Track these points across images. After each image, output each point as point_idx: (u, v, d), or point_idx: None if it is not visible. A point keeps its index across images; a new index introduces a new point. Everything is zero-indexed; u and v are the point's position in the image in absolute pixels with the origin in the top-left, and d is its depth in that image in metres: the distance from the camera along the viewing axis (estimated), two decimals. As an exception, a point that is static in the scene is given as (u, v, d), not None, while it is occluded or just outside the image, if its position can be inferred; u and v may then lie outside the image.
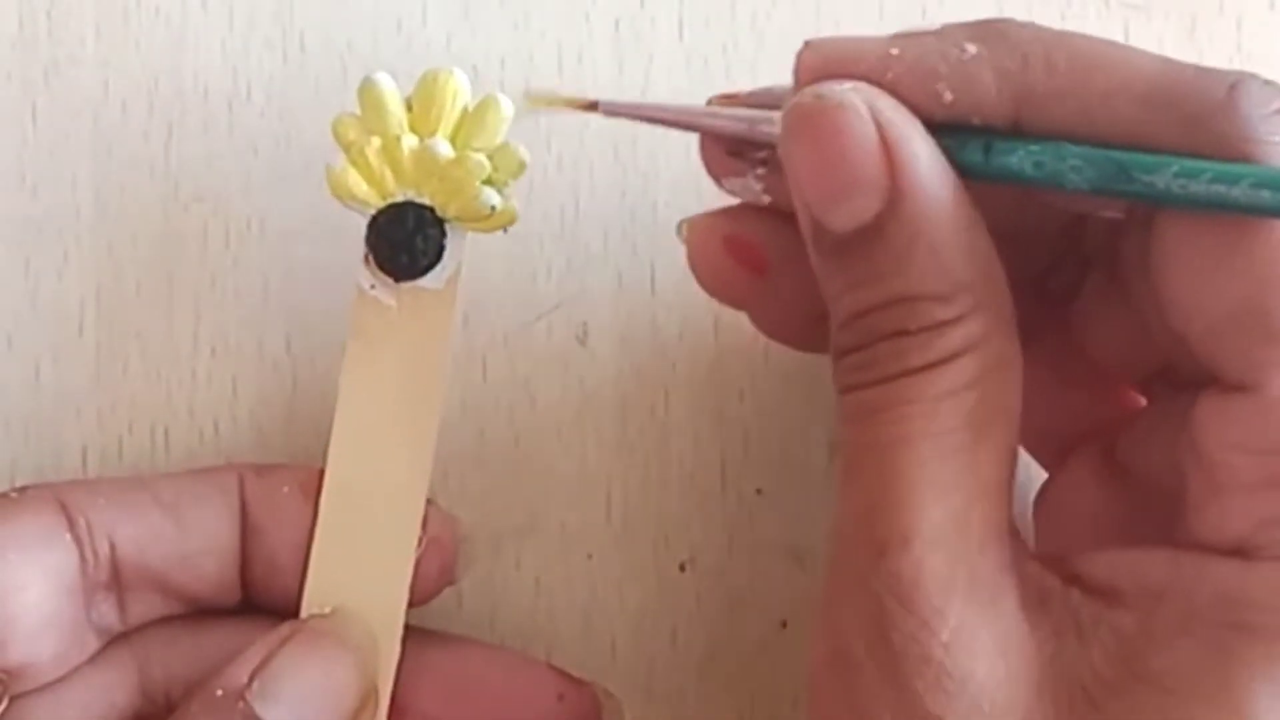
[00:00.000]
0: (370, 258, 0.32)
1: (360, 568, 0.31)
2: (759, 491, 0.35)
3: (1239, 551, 0.26)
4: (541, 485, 0.35)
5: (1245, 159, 0.25)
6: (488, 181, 0.32)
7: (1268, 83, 0.25)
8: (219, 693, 0.29)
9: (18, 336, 0.35)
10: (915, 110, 0.27)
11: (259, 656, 0.30)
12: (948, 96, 0.27)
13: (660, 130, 0.35)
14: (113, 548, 0.30)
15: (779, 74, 0.36)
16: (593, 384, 0.35)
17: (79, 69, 0.35)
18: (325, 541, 0.31)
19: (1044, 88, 0.26)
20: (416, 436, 0.32)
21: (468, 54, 0.35)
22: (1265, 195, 0.24)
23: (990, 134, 0.27)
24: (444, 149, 0.32)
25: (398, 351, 0.32)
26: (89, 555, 0.30)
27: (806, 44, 0.29)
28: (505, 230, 0.32)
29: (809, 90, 0.27)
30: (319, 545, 0.31)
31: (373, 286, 0.32)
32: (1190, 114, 0.25)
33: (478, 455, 0.35)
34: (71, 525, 0.30)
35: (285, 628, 0.31)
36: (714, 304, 0.35)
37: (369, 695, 0.31)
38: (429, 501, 0.32)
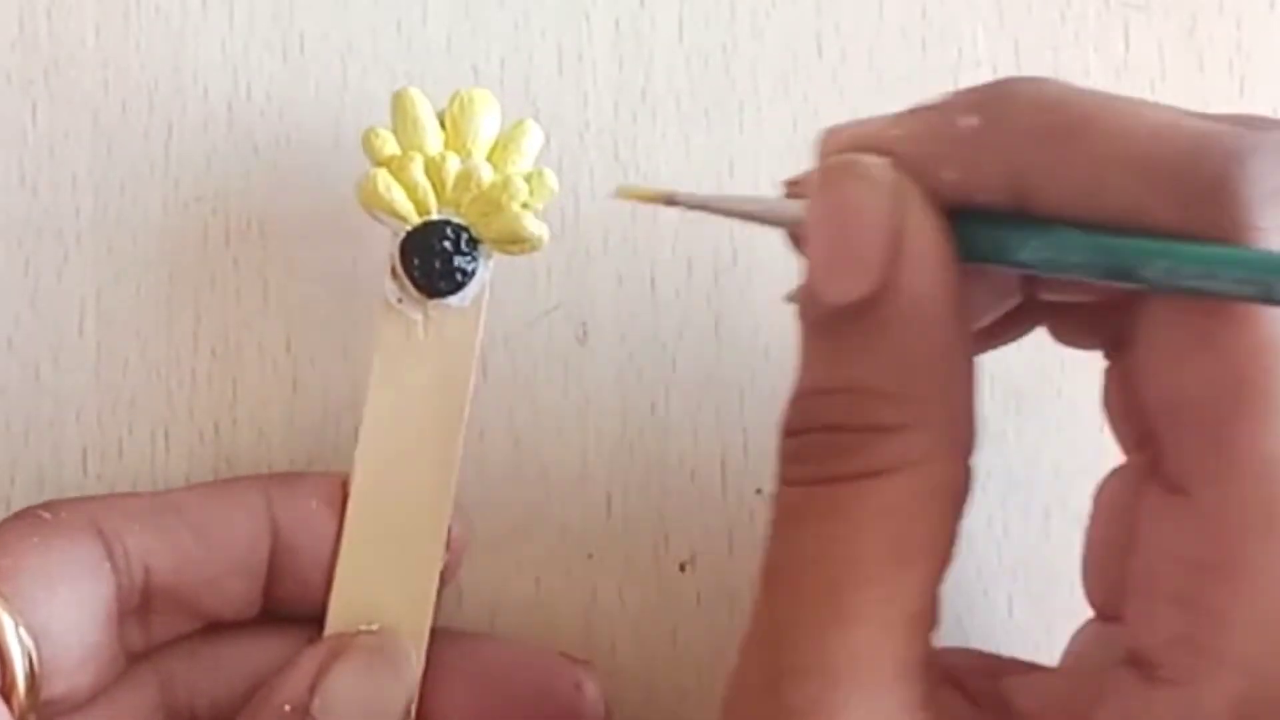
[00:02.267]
0: (400, 272, 0.32)
1: (387, 579, 0.32)
2: (759, 491, 0.35)
3: (1146, 665, 0.24)
4: (541, 485, 0.35)
5: (1242, 244, 0.23)
6: (523, 205, 0.32)
7: (1276, 148, 0.23)
8: (286, 708, 0.29)
9: (17, 337, 0.35)
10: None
11: (312, 671, 0.30)
12: (949, 176, 0.26)
13: (660, 130, 0.35)
14: (147, 573, 0.30)
15: (779, 74, 0.36)
16: (593, 384, 0.35)
17: (79, 69, 0.35)
18: (351, 553, 0.31)
19: (1042, 163, 0.25)
20: (441, 449, 0.32)
21: (468, 54, 0.35)
22: (1249, 288, 0.23)
23: (991, 216, 0.26)
24: (487, 173, 0.32)
25: (424, 366, 0.32)
26: (124, 582, 0.30)
27: (827, 131, 0.28)
28: (529, 254, 0.33)
29: (848, 156, 0.26)
30: (345, 557, 0.31)
31: (399, 300, 0.32)
32: (1187, 195, 0.23)
33: (478, 455, 0.35)
34: (110, 554, 0.30)
35: (333, 642, 0.31)
36: (714, 304, 0.35)
37: (410, 708, 0.31)
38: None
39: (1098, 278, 0.25)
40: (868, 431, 0.25)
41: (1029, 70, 0.36)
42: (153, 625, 0.31)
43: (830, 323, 0.26)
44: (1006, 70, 0.36)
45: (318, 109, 0.35)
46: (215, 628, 0.32)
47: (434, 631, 0.32)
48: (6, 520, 0.30)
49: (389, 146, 0.32)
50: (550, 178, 0.32)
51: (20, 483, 0.34)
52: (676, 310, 0.35)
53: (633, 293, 0.35)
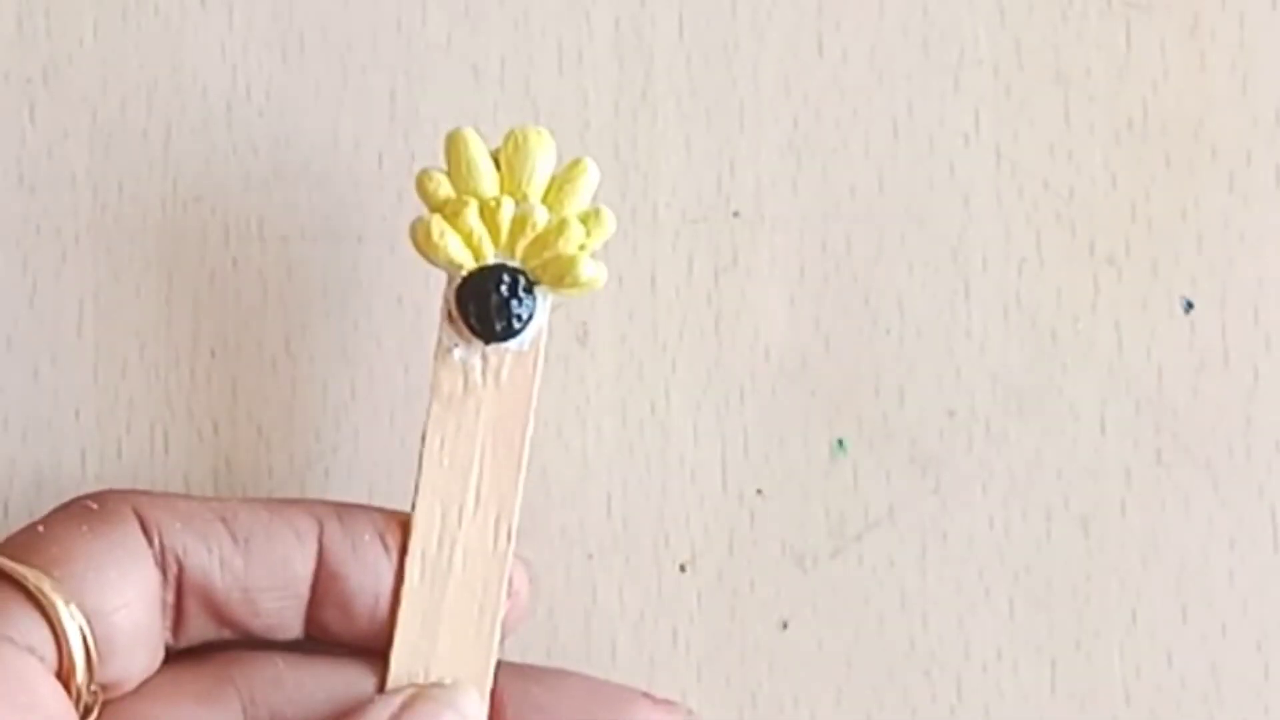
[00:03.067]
0: (456, 316, 0.32)
1: (449, 628, 0.31)
2: (759, 492, 0.35)
3: None
4: (541, 485, 0.35)
5: None
6: (580, 247, 0.32)
7: None
8: None
9: (16, 337, 0.35)
10: None
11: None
12: None
13: (660, 130, 0.35)
14: (180, 570, 0.30)
15: (779, 74, 0.36)
16: (593, 384, 0.35)
17: (77, 68, 0.35)
18: (412, 601, 0.31)
19: None
20: (501, 495, 0.32)
21: (468, 54, 0.35)
22: None
23: None
24: (543, 216, 0.31)
25: (482, 411, 0.32)
26: (161, 574, 0.30)
27: None
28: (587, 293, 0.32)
29: None
30: (406, 604, 0.31)
31: (455, 346, 0.32)
32: None
33: (478, 456, 0.35)
34: (150, 544, 0.30)
35: (407, 694, 0.31)
36: (714, 304, 0.35)
37: None
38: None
39: None
40: None
41: (1030, 69, 0.36)
42: (183, 625, 0.31)
43: None
44: (1007, 70, 0.36)
45: (318, 109, 0.35)
46: (298, 654, 0.32)
47: (513, 666, 0.32)
48: (55, 510, 0.31)
49: (443, 189, 0.32)
50: (608, 217, 0.32)
51: (19, 483, 0.34)
52: (676, 310, 0.35)
53: (633, 293, 0.35)
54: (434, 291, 0.35)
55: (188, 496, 0.32)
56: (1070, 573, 0.35)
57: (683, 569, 0.35)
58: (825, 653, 0.35)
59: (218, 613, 0.31)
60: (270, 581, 0.31)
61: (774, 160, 0.35)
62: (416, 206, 0.35)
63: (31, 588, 0.29)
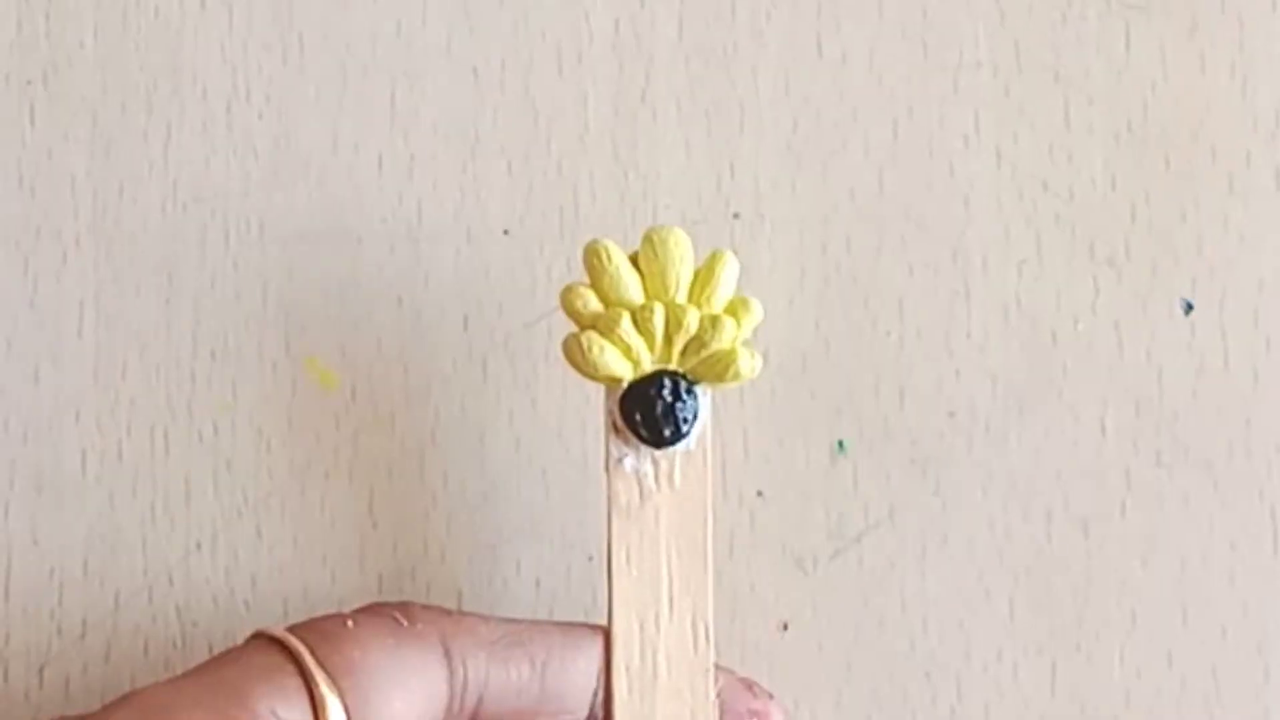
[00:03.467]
0: (623, 427, 0.32)
1: None
2: (759, 493, 0.35)
3: None
4: (541, 485, 0.35)
5: None
6: (734, 340, 0.32)
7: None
8: None
9: (17, 338, 0.35)
10: None
11: None
12: None
13: (660, 130, 0.35)
14: (479, 703, 0.31)
15: (779, 74, 0.36)
16: (593, 385, 0.35)
17: (77, 70, 0.35)
18: (625, 713, 0.31)
19: None
20: (694, 594, 0.32)
21: (468, 54, 0.35)
22: None
23: None
24: (694, 318, 0.31)
25: (661, 516, 0.32)
26: (456, 707, 0.30)
27: None
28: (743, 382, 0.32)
29: None
30: (620, 717, 0.31)
31: (625, 456, 0.32)
32: None
33: (478, 456, 0.35)
34: (451, 674, 0.30)
35: None
36: (714, 305, 0.35)
37: None
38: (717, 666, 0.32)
39: None
40: None
41: (1030, 70, 0.36)
42: None
43: None
44: (1007, 70, 0.36)
45: (317, 109, 0.35)
46: None
47: None
48: (364, 612, 0.31)
49: (592, 305, 0.31)
50: (755, 305, 0.32)
51: (19, 484, 0.34)
52: (677, 311, 0.35)
53: (633, 294, 0.35)
54: (434, 292, 0.35)
55: (485, 618, 0.32)
56: (1070, 574, 0.35)
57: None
58: (825, 654, 0.35)
59: None
60: (561, 706, 0.31)
61: (774, 161, 0.36)
62: (416, 206, 0.35)
63: (315, 691, 0.29)
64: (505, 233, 0.34)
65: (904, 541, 0.35)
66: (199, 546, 0.34)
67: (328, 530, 0.34)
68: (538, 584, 0.35)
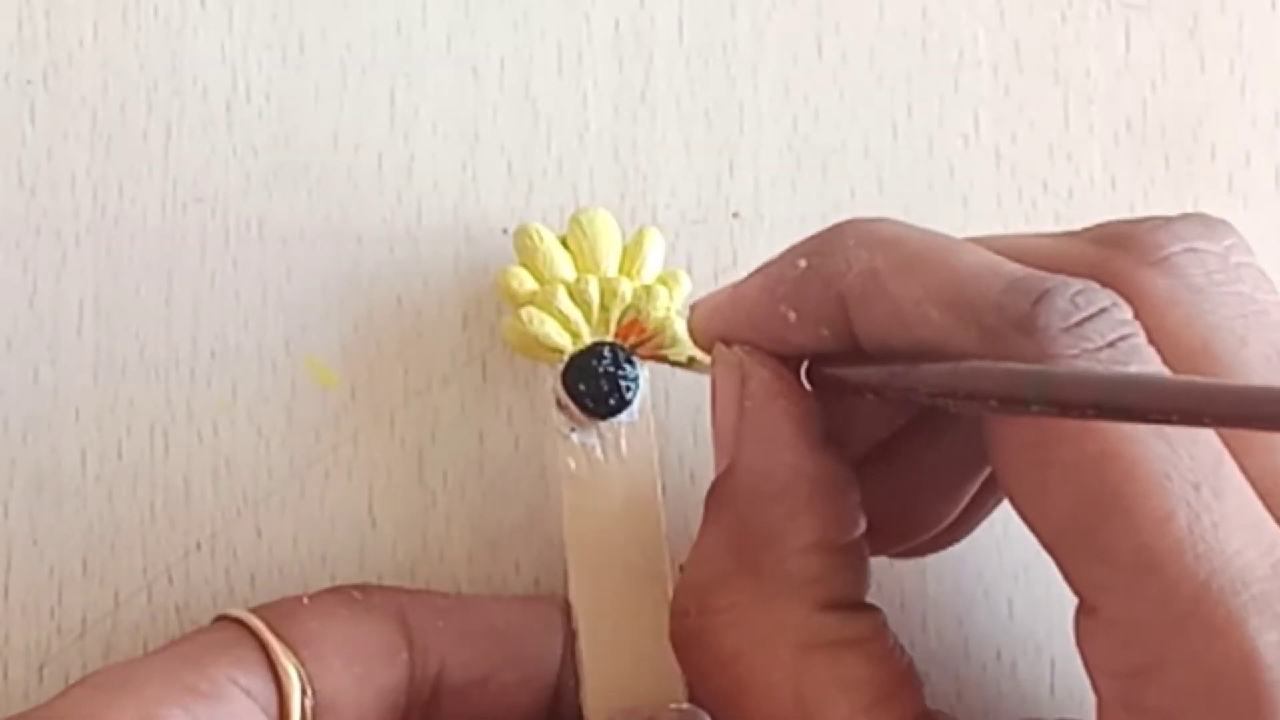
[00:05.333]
0: (566, 401, 0.33)
1: (630, 689, 0.32)
2: (759, 492, 0.35)
3: None
4: (541, 486, 0.35)
5: None
6: (667, 310, 0.33)
7: (1080, 292, 0.25)
8: None
9: (16, 338, 0.35)
10: (770, 334, 0.28)
11: None
12: (791, 316, 0.28)
13: (660, 130, 0.35)
14: (441, 670, 0.31)
15: (779, 74, 0.36)
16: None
17: (77, 69, 0.35)
18: (595, 680, 0.32)
19: (861, 295, 0.27)
20: (650, 560, 0.33)
21: (467, 54, 0.35)
22: (1052, 408, 0.24)
23: (838, 356, 0.28)
24: (628, 288, 0.33)
25: (612, 487, 0.33)
26: (418, 674, 0.31)
27: (691, 307, 0.31)
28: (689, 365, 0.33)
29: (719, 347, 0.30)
30: (588, 684, 0.32)
31: (572, 430, 0.33)
32: (989, 328, 0.25)
33: (478, 457, 0.35)
34: (410, 645, 0.31)
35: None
36: (714, 304, 0.35)
37: None
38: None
39: (936, 399, 0.26)
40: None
41: (1030, 70, 0.36)
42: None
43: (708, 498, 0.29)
44: (1007, 70, 0.36)
45: (317, 109, 0.35)
46: None
47: None
48: (321, 592, 0.32)
49: (528, 283, 0.33)
50: (683, 276, 0.33)
51: (19, 484, 0.34)
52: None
53: (633, 293, 0.35)
54: (434, 292, 0.35)
55: (443, 594, 0.33)
56: (1070, 573, 0.35)
57: (683, 570, 0.35)
58: (825, 653, 0.35)
59: (474, 710, 0.31)
60: (525, 676, 0.32)
61: (774, 161, 0.36)
62: (416, 206, 0.35)
63: (276, 661, 0.29)
64: (505, 232, 0.34)
65: (903, 541, 0.35)
66: (198, 546, 0.34)
67: (328, 530, 0.34)
68: (537, 583, 0.35)
